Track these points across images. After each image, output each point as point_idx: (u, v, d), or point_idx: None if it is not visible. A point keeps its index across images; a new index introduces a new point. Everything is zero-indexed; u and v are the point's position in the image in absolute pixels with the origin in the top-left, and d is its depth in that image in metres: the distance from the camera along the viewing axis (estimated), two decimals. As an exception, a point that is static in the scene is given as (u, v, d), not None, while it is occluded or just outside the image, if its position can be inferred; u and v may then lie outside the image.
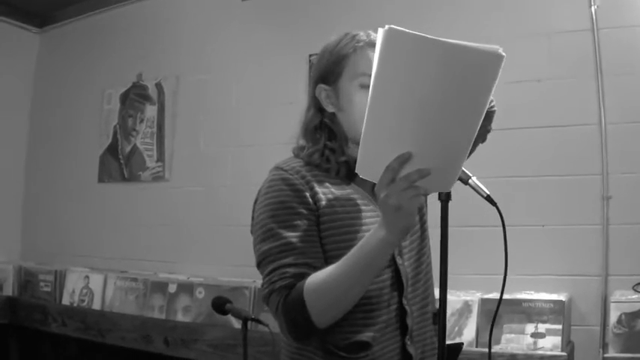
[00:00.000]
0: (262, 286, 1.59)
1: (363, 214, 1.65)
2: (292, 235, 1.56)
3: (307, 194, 1.60)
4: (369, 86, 1.61)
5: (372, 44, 1.66)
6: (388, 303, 1.63)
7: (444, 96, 1.29)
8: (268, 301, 1.56)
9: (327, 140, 1.69)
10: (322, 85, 1.70)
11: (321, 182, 1.64)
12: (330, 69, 1.69)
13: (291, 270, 1.53)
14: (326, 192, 1.63)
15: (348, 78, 1.66)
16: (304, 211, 1.59)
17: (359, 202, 1.66)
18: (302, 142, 1.74)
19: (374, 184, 1.72)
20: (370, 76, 1.62)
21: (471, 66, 1.26)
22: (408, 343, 1.66)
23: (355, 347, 1.58)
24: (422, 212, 1.82)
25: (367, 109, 1.32)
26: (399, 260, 1.67)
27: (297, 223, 1.58)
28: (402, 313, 1.66)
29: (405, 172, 1.34)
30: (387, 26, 1.23)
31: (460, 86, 1.28)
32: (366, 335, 1.59)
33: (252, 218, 1.69)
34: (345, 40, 1.69)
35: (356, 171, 1.43)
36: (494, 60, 1.25)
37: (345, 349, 1.58)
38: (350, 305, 1.53)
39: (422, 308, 1.73)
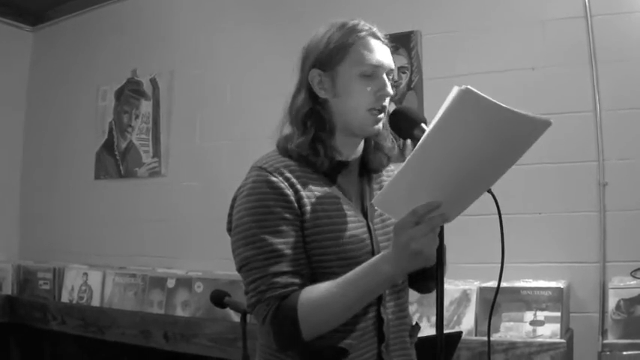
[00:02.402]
0: (247, 293, 1.56)
1: (348, 219, 1.61)
2: (278, 242, 1.52)
3: (292, 198, 1.55)
4: (369, 76, 1.61)
5: (374, 35, 1.65)
6: (366, 311, 1.60)
7: (488, 154, 1.34)
8: (254, 310, 1.54)
9: (317, 130, 1.63)
10: (317, 70, 1.65)
11: (304, 185, 1.59)
12: (330, 55, 1.64)
13: (280, 280, 1.50)
14: (310, 195, 1.58)
15: (349, 65, 1.62)
16: (289, 217, 1.54)
17: (343, 205, 1.63)
18: (288, 130, 1.68)
19: (360, 188, 1.72)
20: (373, 65, 1.61)
21: (521, 131, 1.33)
22: (384, 351, 1.64)
23: (333, 354, 1.57)
24: None
25: (414, 152, 1.33)
26: None
27: (283, 229, 1.53)
28: (379, 321, 1.64)
29: (428, 217, 1.36)
30: (464, 86, 1.24)
31: (504, 147, 1.35)
32: (345, 342, 1.57)
33: (230, 215, 1.64)
34: (347, 27, 1.65)
35: (373, 202, 1.42)
36: (541, 127, 1.33)
37: (323, 356, 1.57)
38: (341, 323, 1.53)
39: (399, 319, 1.70)
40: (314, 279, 1.55)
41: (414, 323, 1.79)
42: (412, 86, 3.46)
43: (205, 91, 4.30)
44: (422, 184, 1.36)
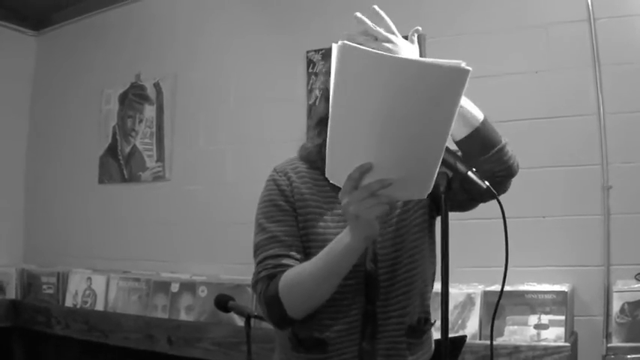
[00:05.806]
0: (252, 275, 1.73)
1: (339, 217, 1.68)
2: (277, 230, 1.69)
3: (289, 194, 1.73)
4: None
5: None
6: (350, 307, 1.66)
7: (404, 110, 1.29)
8: (254, 289, 1.69)
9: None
10: None
11: (305, 183, 1.74)
12: None
13: (273, 261, 1.65)
14: (305, 193, 1.73)
15: None
16: (288, 208, 1.72)
17: (336, 204, 1.67)
18: (307, 134, 1.84)
19: None
20: None
21: (432, 81, 1.25)
22: (366, 348, 1.66)
23: (312, 344, 1.68)
24: (409, 221, 1.77)
25: (330, 118, 1.34)
26: (369, 265, 1.68)
27: (282, 218, 1.71)
28: (365, 318, 1.67)
29: (366, 182, 1.37)
30: (340, 42, 1.24)
31: (422, 100, 1.28)
32: (324, 334, 1.67)
33: None
34: None
35: (325, 175, 1.46)
36: (458, 74, 1.24)
37: (303, 345, 1.69)
38: (320, 301, 1.61)
39: (395, 318, 1.70)
40: None
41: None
42: (415, 90, 3.45)
43: (209, 96, 4.30)
44: (351, 150, 1.36)
